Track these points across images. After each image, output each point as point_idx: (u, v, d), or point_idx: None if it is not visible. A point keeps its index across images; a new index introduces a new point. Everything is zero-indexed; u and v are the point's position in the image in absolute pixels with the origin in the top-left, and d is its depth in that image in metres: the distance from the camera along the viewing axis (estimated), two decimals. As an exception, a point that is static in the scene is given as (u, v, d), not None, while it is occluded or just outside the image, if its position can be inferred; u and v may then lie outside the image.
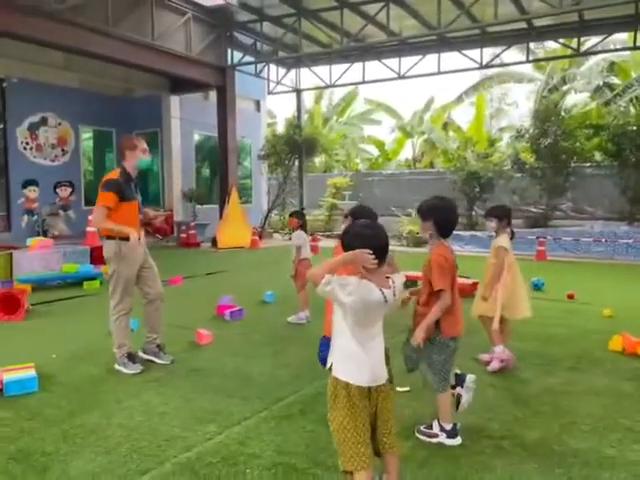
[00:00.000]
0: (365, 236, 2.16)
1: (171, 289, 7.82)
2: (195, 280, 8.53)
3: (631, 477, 2.59)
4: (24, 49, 11.72)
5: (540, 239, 11.65)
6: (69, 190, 14.13)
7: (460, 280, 6.97)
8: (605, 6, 10.31)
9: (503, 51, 13.63)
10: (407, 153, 22.80)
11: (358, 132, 22.96)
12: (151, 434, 3.05)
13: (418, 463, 2.73)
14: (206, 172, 16.68)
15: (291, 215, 5.81)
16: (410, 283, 4.97)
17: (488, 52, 13.85)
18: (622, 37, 15.02)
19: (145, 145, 4.31)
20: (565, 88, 16.37)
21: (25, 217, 13.12)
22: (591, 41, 14.54)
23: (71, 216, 14.05)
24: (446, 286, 2.88)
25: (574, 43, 13.71)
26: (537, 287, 7.64)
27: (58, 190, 13.89)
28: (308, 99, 23.33)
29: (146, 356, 4.34)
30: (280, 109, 46.74)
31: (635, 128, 12.77)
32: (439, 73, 14.17)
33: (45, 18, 9.56)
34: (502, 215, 4.19)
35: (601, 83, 16.18)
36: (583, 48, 14.15)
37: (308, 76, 16.62)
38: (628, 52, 15.39)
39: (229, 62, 13.67)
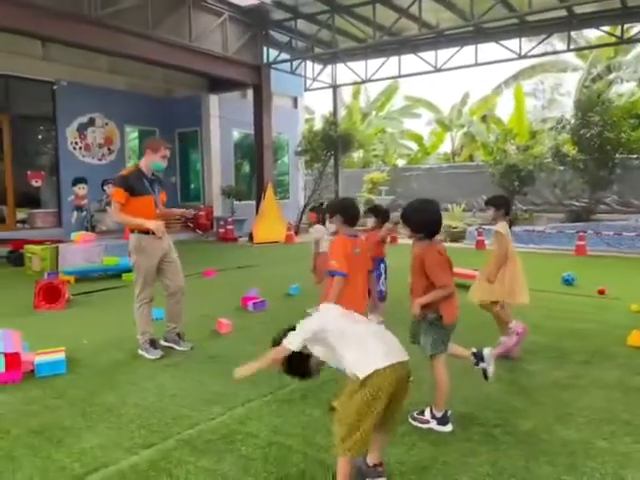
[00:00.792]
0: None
1: (204, 281, 8.17)
2: (227, 273, 8.82)
3: (617, 467, 2.60)
4: (72, 54, 12.38)
5: (580, 233, 11.32)
6: (115, 187, 14.80)
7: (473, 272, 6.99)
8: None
9: (543, 40, 13.24)
10: (446, 147, 22.52)
11: (398, 126, 22.82)
12: (160, 413, 3.28)
13: (406, 447, 2.83)
14: (245, 169, 17.07)
15: (311, 210, 5.99)
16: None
17: (527, 42, 13.48)
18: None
19: (167, 152, 4.52)
20: (610, 77, 15.71)
21: (75, 213, 13.85)
22: (636, 28, 13.92)
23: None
24: (449, 280, 2.99)
25: (618, 31, 13.15)
26: (568, 282, 7.48)
27: (105, 187, 14.57)
28: (347, 94, 23.41)
29: (167, 343, 4.60)
30: (319, 105, 46.86)
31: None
32: (476, 65, 13.94)
33: (89, 24, 10.07)
34: (499, 204, 4.34)
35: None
36: (627, 36, 13.55)
37: (345, 72, 16.72)
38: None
39: (264, 60, 13.93)
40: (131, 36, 10.80)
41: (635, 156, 13.99)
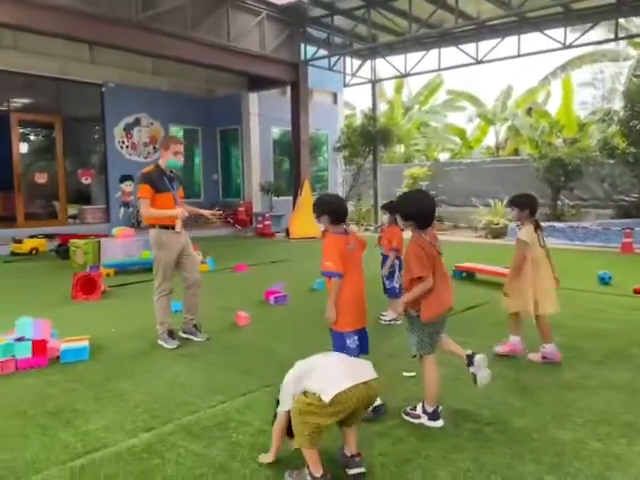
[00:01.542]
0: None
1: (234, 275, 8.40)
2: (259, 267, 9.01)
3: (604, 469, 2.54)
4: (118, 57, 12.95)
5: (627, 230, 10.82)
6: (160, 185, 15.36)
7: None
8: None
9: (589, 29, 12.68)
10: (490, 141, 21.92)
11: (441, 120, 22.43)
12: (166, 400, 3.45)
13: (393, 440, 2.87)
14: (285, 165, 17.28)
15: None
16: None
17: (572, 31, 12.95)
18: None
19: (179, 148, 4.71)
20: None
21: (122, 209, 14.49)
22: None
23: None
24: (426, 273, 2.98)
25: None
26: (603, 281, 7.20)
27: (122, 184, 14.99)
28: (389, 89, 23.20)
29: (185, 335, 4.81)
30: (361, 100, 46.51)
31: None
32: (519, 56, 13.54)
33: (131, 28, 10.51)
34: (524, 204, 4.04)
35: None
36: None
37: (385, 67, 16.59)
38: None
39: (302, 58, 14.05)
40: (171, 38, 11.19)
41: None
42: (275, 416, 2.64)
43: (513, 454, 2.69)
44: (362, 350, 3.24)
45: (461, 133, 22.09)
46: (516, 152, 19.51)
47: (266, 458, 2.64)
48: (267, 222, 14.26)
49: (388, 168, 19.97)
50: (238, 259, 9.38)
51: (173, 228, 4.65)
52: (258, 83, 15.01)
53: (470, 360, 3.15)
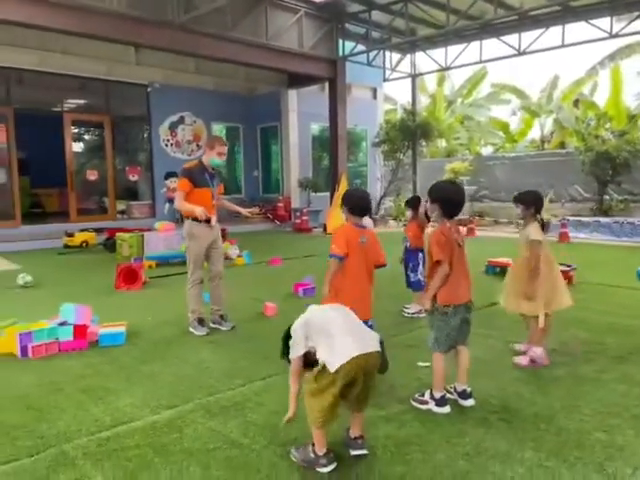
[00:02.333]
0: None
1: (268, 268, 8.64)
2: (292, 261, 9.22)
3: (604, 458, 2.57)
4: (162, 58, 13.44)
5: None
6: (203, 181, 15.84)
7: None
8: None
9: (637, 17, 12.13)
10: (535, 134, 21.30)
11: (484, 114, 21.99)
12: (190, 382, 3.68)
13: (398, 424, 2.97)
14: (324, 161, 17.43)
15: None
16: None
17: (618, 21, 12.44)
18: None
19: (223, 150, 4.94)
20: None
21: (167, 205, 15.00)
22: None
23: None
24: (444, 257, 3.10)
25: None
26: (642, 276, 7.00)
27: (167, 181, 15.46)
28: (431, 83, 22.94)
29: (213, 325, 5.06)
30: (403, 95, 45.90)
31: None
32: (563, 46, 13.12)
33: (173, 29, 10.89)
34: (529, 201, 3.89)
35: None
36: None
37: (427, 61, 16.44)
38: None
39: (340, 53, 14.13)
40: (211, 38, 11.51)
41: None
42: (286, 354, 2.67)
43: (515, 441, 2.75)
44: None
45: (504, 127, 21.58)
46: (562, 145, 18.92)
47: (288, 414, 2.70)
48: (305, 217, 14.47)
49: (429, 163, 19.79)
50: (274, 253, 9.62)
51: (207, 222, 4.88)
52: (297, 80, 15.20)
53: (462, 396, 3.23)
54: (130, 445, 2.79)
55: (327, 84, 14.83)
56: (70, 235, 11.23)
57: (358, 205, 3.47)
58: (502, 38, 14.21)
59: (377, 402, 3.24)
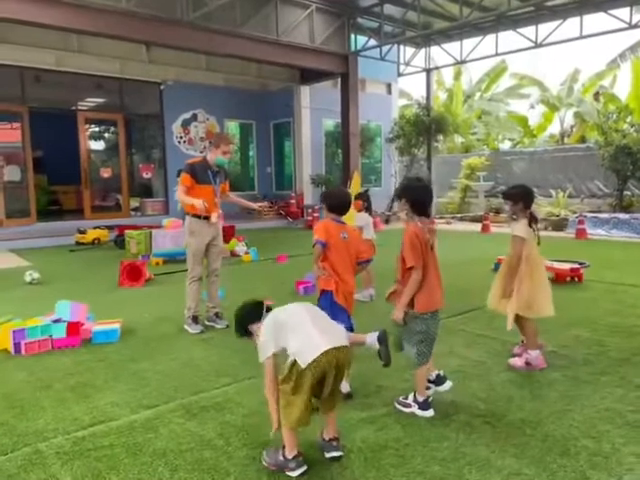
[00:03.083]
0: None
1: (274, 266, 8.60)
2: (299, 258, 9.15)
3: (588, 467, 2.45)
4: (174, 56, 13.50)
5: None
6: (216, 178, 15.93)
7: (564, 265, 6.57)
8: None
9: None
10: (555, 128, 20.80)
11: (503, 109, 21.55)
12: (176, 380, 3.65)
13: (377, 427, 2.89)
14: (338, 157, 17.32)
15: (356, 198, 6.03)
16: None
17: (638, 11, 12.05)
18: None
19: (229, 149, 4.93)
20: None
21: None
22: None
23: (217, 201, 15.83)
24: (417, 263, 2.97)
25: None
26: (658, 275, 6.76)
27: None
28: (448, 77, 22.61)
29: (208, 323, 5.04)
30: (419, 90, 45.35)
31: None
32: (581, 37, 12.78)
33: (183, 27, 10.93)
34: (516, 197, 3.71)
35: None
36: None
37: (442, 54, 16.15)
38: None
39: (353, 48, 13.99)
40: (222, 35, 11.51)
41: None
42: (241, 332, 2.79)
43: (496, 447, 2.64)
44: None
45: (523, 121, 21.13)
46: (583, 140, 18.45)
47: (273, 428, 2.58)
48: (316, 214, 14.38)
49: (445, 158, 19.53)
50: (282, 250, 9.57)
51: (205, 218, 4.85)
52: (309, 76, 15.13)
53: (438, 383, 3.19)
54: (104, 445, 2.76)
55: (339, 80, 14.71)
56: (82, 232, 11.36)
57: (336, 205, 3.50)
58: (519, 30, 13.90)
59: (361, 403, 3.18)
